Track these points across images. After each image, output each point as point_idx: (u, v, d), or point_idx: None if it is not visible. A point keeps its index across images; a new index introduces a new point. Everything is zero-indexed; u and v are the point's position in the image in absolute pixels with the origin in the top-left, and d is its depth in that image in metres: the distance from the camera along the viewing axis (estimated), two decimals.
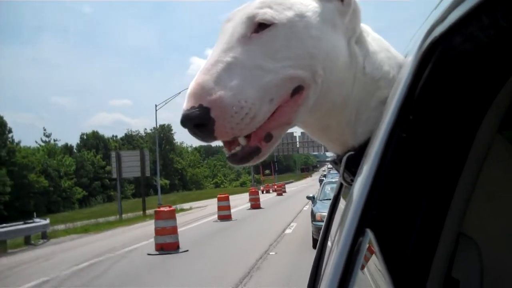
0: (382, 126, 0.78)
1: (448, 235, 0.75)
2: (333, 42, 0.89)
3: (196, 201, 34.73)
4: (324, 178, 20.81)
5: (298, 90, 0.86)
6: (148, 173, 24.74)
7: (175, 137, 68.17)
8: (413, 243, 0.71)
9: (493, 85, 0.74)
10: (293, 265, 7.66)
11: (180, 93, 26.77)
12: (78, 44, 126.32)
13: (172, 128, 66.52)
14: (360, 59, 0.94)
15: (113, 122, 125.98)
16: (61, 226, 18.51)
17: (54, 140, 49.83)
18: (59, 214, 28.39)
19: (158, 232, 10.09)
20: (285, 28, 0.85)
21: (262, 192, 40.34)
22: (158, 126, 42.13)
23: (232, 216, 17.10)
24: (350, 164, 0.92)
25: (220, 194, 18.49)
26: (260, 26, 0.85)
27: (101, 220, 21.00)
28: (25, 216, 21.19)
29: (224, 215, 16.96)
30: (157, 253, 9.83)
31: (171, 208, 10.72)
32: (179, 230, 10.59)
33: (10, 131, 39.76)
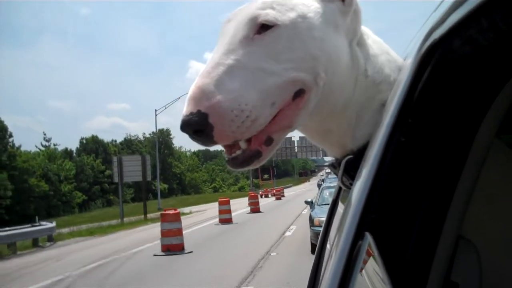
0: (381, 129, 0.78)
1: (447, 238, 0.74)
2: (335, 44, 0.88)
3: (195, 205, 34.62)
4: (322, 183, 20.76)
5: (299, 93, 0.85)
6: (149, 178, 24.76)
7: (173, 141, 68.31)
8: (412, 246, 0.71)
9: (492, 88, 0.74)
10: (293, 266, 7.93)
11: (179, 98, 26.81)
12: (77, 46, 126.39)
13: (171, 132, 66.67)
14: (361, 62, 0.93)
15: (111, 126, 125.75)
16: (66, 230, 18.59)
17: (54, 145, 49.83)
18: (60, 218, 28.21)
19: (164, 234, 10.40)
20: (288, 30, 0.84)
21: (261, 197, 40.18)
22: (157, 131, 41.98)
23: (233, 220, 17.16)
24: (349, 168, 0.92)
25: (221, 198, 18.74)
26: (262, 28, 0.84)
27: (103, 224, 20.99)
28: (26, 220, 21.15)
29: (225, 219, 17.04)
30: (163, 254, 10.10)
31: (176, 211, 11.00)
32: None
33: (10, 135, 39.59)
